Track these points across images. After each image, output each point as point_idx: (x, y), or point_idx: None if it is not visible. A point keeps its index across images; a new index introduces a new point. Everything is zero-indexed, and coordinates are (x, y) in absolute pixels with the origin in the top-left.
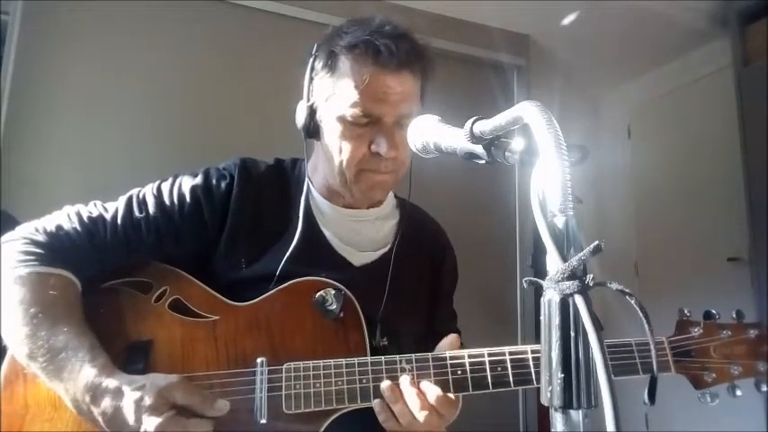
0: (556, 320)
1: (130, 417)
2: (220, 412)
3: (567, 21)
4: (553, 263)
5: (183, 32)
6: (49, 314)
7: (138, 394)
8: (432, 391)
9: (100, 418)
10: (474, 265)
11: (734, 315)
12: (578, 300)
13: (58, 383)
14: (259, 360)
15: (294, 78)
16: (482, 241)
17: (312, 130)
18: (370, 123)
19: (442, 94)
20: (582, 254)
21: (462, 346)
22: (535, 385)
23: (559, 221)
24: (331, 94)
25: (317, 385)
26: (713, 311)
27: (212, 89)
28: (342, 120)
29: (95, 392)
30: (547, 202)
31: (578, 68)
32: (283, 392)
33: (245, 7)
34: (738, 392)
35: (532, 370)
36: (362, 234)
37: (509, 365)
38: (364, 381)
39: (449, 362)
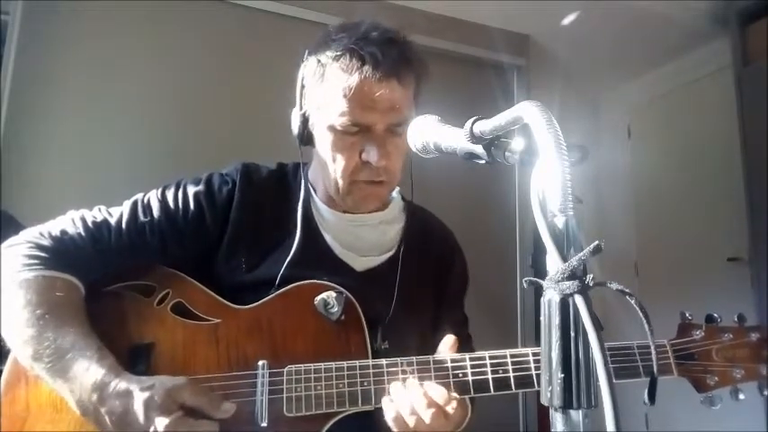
0: (556, 320)
1: (140, 416)
2: (226, 414)
3: (567, 21)
4: (553, 263)
5: (183, 32)
6: (55, 315)
7: (147, 394)
8: (437, 390)
9: (107, 418)
10: (474, 264)
11: (735, 318)
12: (578, 300)
13: (62, 384)
14: (260, 363)
15: (294, 78)
16: (482, 241)
17: (306, 137)
18: (360, 132)
19: (443, 94)
20: (582, 254)
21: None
22: (536, 388)
23: (559, 221)
24: (321, 104)
25: (318, 388)
26: (715, 315)
27: (212, 89)
28: (332, 129)
29: (103, 392)
30: (547, 202)
31: (578, 68)
32: (284, 395)
33: (245, 7)
34: (741, 396)
35: (534, 373)
36: (365, 239)
37: (510, 368)
38: (365, 384)
39: (450, 364)
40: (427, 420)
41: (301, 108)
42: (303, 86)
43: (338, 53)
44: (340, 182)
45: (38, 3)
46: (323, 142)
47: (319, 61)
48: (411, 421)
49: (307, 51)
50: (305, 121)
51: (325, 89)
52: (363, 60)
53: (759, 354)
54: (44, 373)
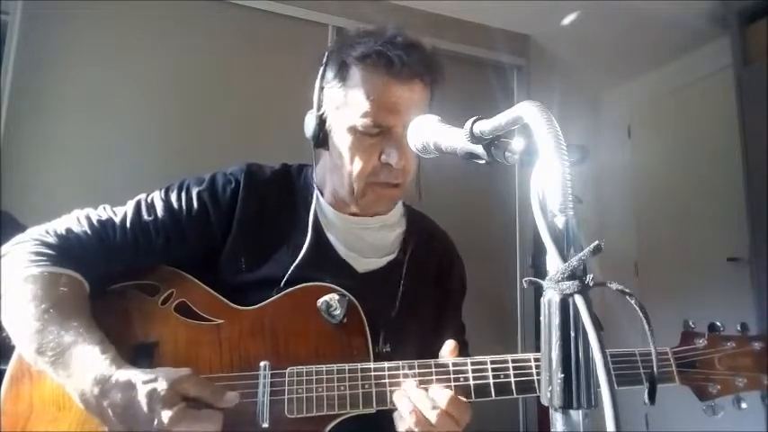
0: (556, 320)
1: (143, 408)
2: (230, 403)
3: (567, 21)
4: (553, 263)
5: (183, 32)
6: (59, 310)
7: (150, 386)
8: (443, 394)
9: (110, 411)
10: (474, 265)
11: (738, 327)
12: (578, 300)
13: (66, 378)
14: (262, 364)
15: (294, 78)
16: (482, 241)
17: (321, 139)
18: (380, 134)
19: (443, 93)
20: (582, 254)
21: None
22: (538, 394)
23: (559, 221)
24: (342, 104)
25: (320, 390)
26: (717, 323)
27: (212, 89)
28: (352, 130)
29: (105, 385)
30: (547, 202)
31: (578, 68)
32: (286, 396)
33: (245, 7)
34: (744, 405)
35: (535, 378)
36: (367, 241)
37: (512, 373)
38: (367, 386)
39: (451, 368)
40: (435, 423)
41: (318, 109)
42: (322, 88)
43: (365, 54)
44: (356, 183)
45: (38, 3)
46: (341, 144)
47: (344, 62)
48: (420, 428)
49: (326, 54)
50: (321, 122)
51: (346, 90)
52: (391, 62)
53: (762, 363)
54: (48, 367)
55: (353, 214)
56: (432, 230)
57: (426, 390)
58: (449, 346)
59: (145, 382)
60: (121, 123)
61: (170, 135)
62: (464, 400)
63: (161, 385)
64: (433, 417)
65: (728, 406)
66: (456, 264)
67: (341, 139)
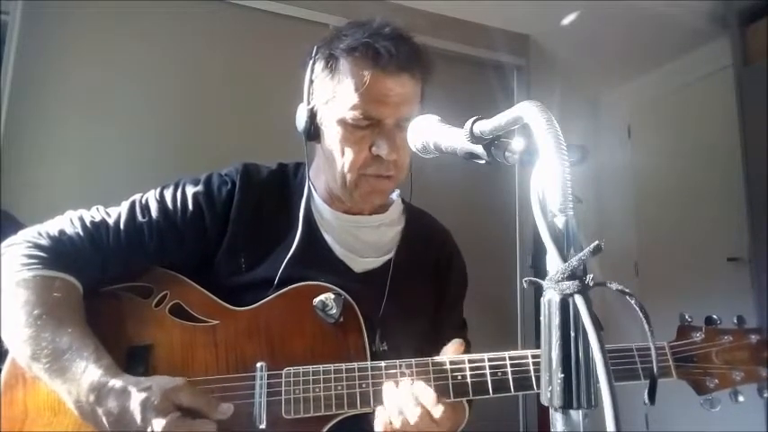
0: (556, 320)
1: (137, 417)
2: (224, 415)
3: (567, 21)
4: (553, 263)
5: (183, 32)
6: (53, 316)
7: (144, 395)
8: (425, 392)
9: (104, 419)
10: (474, 265)
11: (735, 320)
12: (578, 300)
13: (60, 385)
14: (258, 365)
15: (294, 78)
16: (482, 241)
17: (313, 133)
18: (370, 126)
19: (442, 94)
20: (582, 254)
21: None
22: (535, 390)
23: (559, 221)
24: (331, 97)
25: (317, 390)
26: (714, 317)
27: (212, 89)
28: (342, 123)
29: (100, 392)
30: (547, 202)
31: (578, 68)
32: (283, 397)
33: (245, 7)
34: (741, 398)
35: (533, 375)
36: (364, 240)
37: (509, 370)
38: (364, 386)
39: (449, 366)
40: (411, 420)
41: (309, 103)
42: (312, 81)
43: (352, 47)
44: (348, 175)
45: (38, 3)
46: (331, 137)
47: (332, 55)
48: (397, 421)
49: (316, 47)
50: (312, 116)
51: (335, 82)
52: (378, 54)
53: (759, 356)
54: (42, 373)
55: (349, 212)
56: (431, 227)
57: (411, 385)
58: (453, 345)
59: (139, 390)
60: (121, 123)
61: (170, 135)
62: (446, 401)
63: (155, 394)
64: (412, 414)
65: (725, 399)
66: (455, 260)
67: (331, 132)
